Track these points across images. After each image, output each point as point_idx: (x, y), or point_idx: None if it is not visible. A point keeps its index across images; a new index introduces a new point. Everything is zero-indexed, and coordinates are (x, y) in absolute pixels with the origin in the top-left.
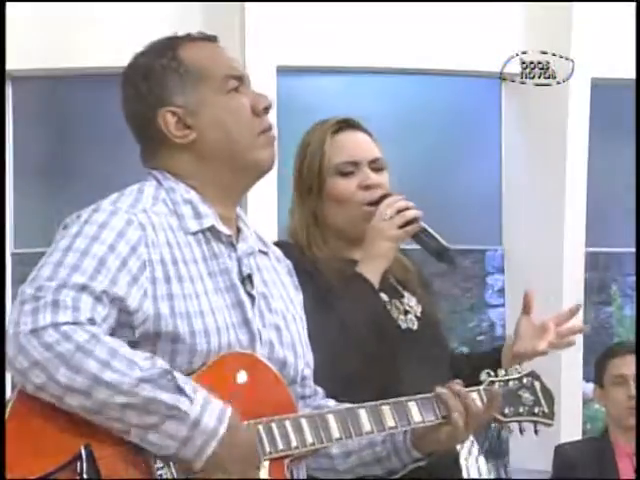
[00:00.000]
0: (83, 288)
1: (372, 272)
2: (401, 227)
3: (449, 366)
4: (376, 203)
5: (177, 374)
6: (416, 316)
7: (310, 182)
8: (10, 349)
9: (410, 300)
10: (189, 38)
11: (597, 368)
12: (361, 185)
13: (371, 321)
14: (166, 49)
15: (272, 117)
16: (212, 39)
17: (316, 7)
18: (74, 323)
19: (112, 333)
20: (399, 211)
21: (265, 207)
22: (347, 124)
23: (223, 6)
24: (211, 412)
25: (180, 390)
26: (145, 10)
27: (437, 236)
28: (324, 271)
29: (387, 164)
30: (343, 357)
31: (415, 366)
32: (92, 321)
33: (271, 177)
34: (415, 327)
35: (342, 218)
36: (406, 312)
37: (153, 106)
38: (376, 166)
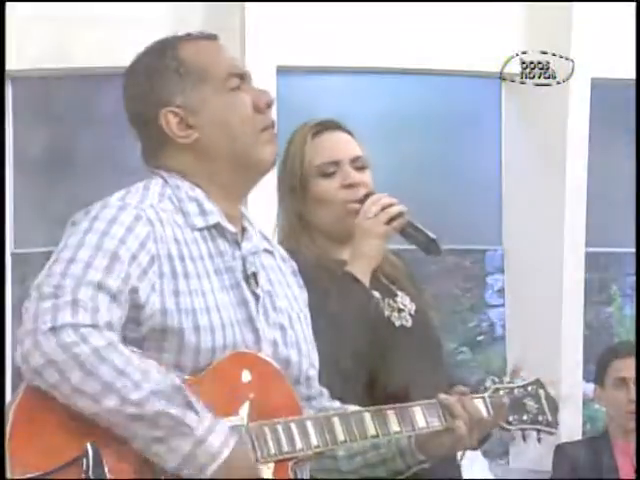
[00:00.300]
0: (99, 286)
1: (361, 271)
2: (387, 223)
3: (444, 362)
4: (360, 202)
5: (188, 391)
6: (410, 314)
7: (293, 183)
8: (26, 343)
9: (404, 299)
10: (189, 37)
11: (598, 368)
12: (343, 184)
13: (364, 319)
14: (167, 49)
15: (272, 117)
16: (212, 37)
17: (316, 7)
18: (92, 326)
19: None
20: (383, 208)
21: (265, 207)
22: (327, 125)
23: (223, 6)
24: (218, 433)
25: (190, 406)
26: (145, 10)
27: (423, 228)
28: (314, 272)
29: (369, 163)
30: (338, 356)
31: (410, 362)
32: (110, 325)
33: (271, 177)
34: (409, 324)
35: (327, 218)
36: (400, 310)
37: (155, 106)
38: (357, 165)
